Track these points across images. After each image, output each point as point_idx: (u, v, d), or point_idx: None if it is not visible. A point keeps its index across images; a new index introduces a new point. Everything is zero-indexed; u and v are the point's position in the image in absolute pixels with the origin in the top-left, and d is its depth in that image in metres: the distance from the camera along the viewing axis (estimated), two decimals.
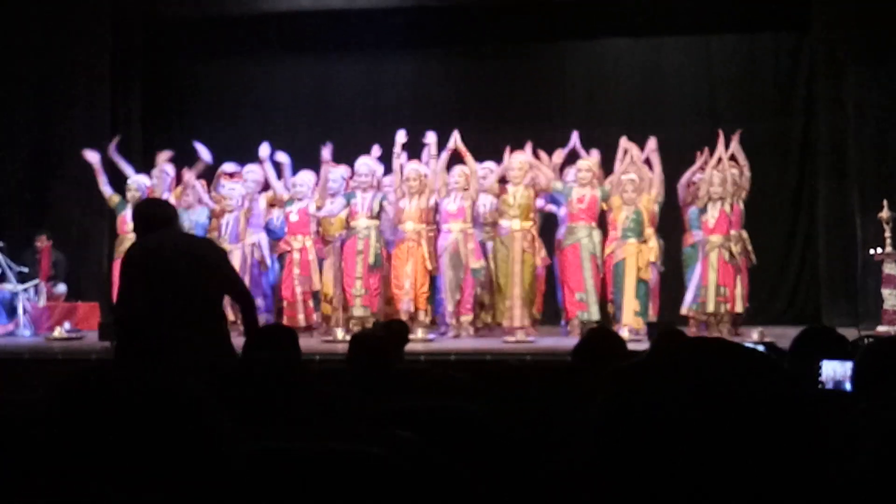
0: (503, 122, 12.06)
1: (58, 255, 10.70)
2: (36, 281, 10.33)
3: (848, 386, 4.37)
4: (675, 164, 12.02)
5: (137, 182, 9.93)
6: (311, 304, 9.60)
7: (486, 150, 12.11)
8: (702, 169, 9.56)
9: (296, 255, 9.59)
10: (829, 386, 4.54)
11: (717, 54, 11.96)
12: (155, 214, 4.59)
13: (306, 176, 9.81)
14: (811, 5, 10.84)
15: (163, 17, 11.98)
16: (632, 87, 12.04)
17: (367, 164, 9.58)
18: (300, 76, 12.54)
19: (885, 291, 9.03)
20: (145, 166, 12.51)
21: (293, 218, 9.66)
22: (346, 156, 12.29)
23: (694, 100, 11.95)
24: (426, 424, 2.54)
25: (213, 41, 12.22)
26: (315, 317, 9.62)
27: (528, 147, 9.54)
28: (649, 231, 9.40)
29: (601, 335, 4.24)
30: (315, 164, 12.54)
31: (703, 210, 9.26)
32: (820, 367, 4.91)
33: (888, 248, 9.14)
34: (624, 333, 8.80)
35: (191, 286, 4.37)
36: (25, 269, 10.44)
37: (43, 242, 10.57)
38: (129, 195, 9.87)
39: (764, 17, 11.52)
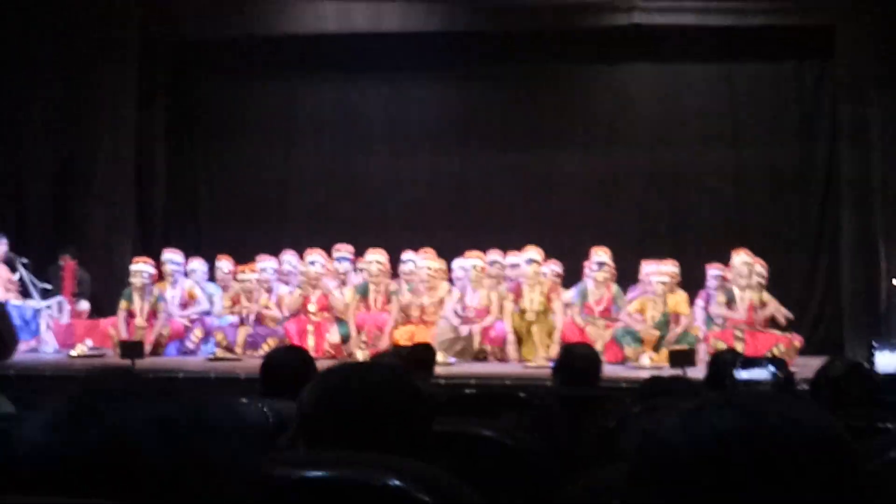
0: (526, 147, 12.09)
1: (82, 273, 10.77)
2: (59, 297, 10.40)
3: None
4: (694, 192, 11.99)
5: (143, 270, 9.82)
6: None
7: (510, 174, 12.15)
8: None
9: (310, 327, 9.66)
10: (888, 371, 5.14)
11: (740, 82, 11.91)
12: None
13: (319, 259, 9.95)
14: (835, 32, 10.80)
15: (189, 38, 12.10)
16: (654, 113, 12.02)
17: (379, 259, 9.83)
18: (323, 98, 12.60)
19: None
20: (168, 185, 12.59)
21: (312, 307, 9.70)
22: (367, 179, 12.37)
23: (717, 127, 11.91)
24: (444, 449, 2.53)
25: (238, 63, 12.32)
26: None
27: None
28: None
29: (577, 355, 4.20)
30: (337, 183, 12.64)
31: (731, 299, 9.06)
32: (873, 355, 5.53)
33: None
34: (644, 361, 8.77)
35: None
36: (49, 286, 10.53)
37: (67, 260, 10.64)
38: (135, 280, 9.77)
39: (787, 45, 11.49)
